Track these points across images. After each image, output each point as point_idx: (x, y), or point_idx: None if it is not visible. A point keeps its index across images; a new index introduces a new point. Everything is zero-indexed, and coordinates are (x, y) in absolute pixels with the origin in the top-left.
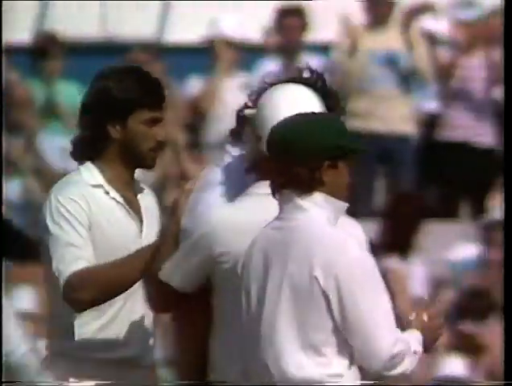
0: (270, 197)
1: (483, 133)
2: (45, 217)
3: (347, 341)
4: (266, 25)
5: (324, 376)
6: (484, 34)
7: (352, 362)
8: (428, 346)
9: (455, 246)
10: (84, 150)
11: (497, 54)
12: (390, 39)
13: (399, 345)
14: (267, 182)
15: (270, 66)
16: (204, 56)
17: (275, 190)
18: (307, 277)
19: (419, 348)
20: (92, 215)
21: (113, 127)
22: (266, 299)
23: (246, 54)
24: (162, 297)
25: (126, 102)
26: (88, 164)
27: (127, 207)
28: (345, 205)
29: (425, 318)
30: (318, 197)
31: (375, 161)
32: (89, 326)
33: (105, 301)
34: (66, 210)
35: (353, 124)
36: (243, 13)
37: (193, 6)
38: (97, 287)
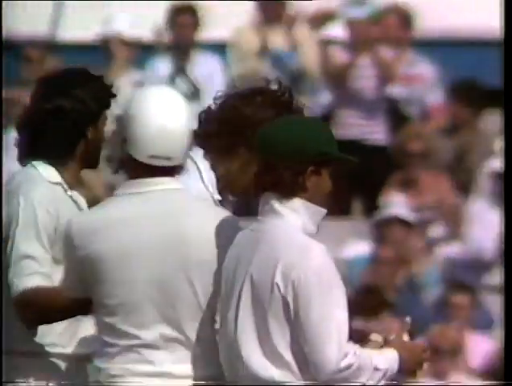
0: (136, 196)
1: (375, 131)
2: (12, 218)
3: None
4: (159, 23)
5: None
6: (375, 33)
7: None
8: (411, 368)
9: (347, 243)
10: (44, 149)
11: (389, 52)
12: (279, 39)
13: (351, 359)
14: (134, 181)
15: (163, 64)
16: (98, 54)
17: (258, 192)
18: (269, 283)
19: (389, 366)
20: (59, 214)
21: (89, 129)
22: (231, 300)
23: (140, 52)
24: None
25: (99, 104)
26: (43, 162)
27: (81, 205)
28: (324, 211)
29: (406, 338)
30: (296, 202)
31: None
32: (53, 328)
33: (55, 321)
34: (35, 216)
35: None
36: (137, 11)
37: (88, 4)
38: (47, 309)
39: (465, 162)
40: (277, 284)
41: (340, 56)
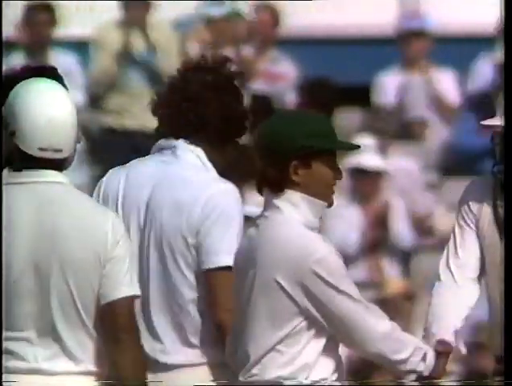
0: (21, 186)
1: None
2: None
3: (306, 341)
4: (13, 20)
5: (285, 376)
6: (234, 31)
7: (315, 360)
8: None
9: None
10: None
11: (248, 50)
12: (143, 39)
13: (387, 323)
14: (18, 173)
15: (18, 61)
16: None
17: (259, 187)
18: (270, 280)
19: (427, 351)
20: None
21: None
22: (241, 296)
23: None
24: None
25: None
26: None
27: None
28: (324, 204)
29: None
30: (294, 196)
31: (129, 157)
32: None
33: None
34: None
35: (108, 120)
36: None
37: None
38: None
39: None
40: (278, 282)
41: (197, 54)
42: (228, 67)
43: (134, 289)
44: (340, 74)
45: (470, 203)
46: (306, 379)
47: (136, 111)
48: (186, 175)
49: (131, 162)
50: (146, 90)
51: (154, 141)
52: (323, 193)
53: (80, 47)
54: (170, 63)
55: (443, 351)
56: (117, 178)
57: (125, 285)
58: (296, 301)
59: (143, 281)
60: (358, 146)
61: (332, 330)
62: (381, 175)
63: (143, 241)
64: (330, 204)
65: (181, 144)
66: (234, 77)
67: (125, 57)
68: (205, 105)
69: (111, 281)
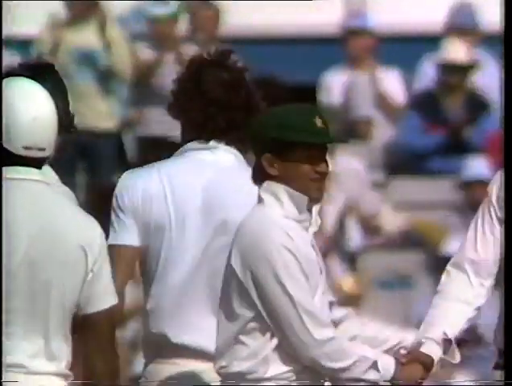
0: (21, 182)
1: (179, 128)
2: None
3: (270, 334)
4: None
5: (244, 369)
6: (177, 31)
7: (274, 353)
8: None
9: None
10: None
11: (191, 49)
12: (89, 37)
13: (329, 331)
14: (6, 169)
15: None
16: None
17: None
18: (228, 266)
19: (376, 359)
20: None
21: None
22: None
23: None
24: None
25: None
26: None
27: None
28: (305, 198)
29: (403, 351)
30: (273, 186)
31: (75, 157)
32: None
33: None
34: None
35: None
36: None
37: None
38: None
39: None
40: (233, 268)
41: (145, 53)
42: (234, 61)
43: (115, 299)
44: (286, 73)
45: (503, 197)
46: (265, 373)
47: (84, 110)
48: (242, 177)
49: (159, 163)
50: (94, 89)
51: (102, 140)
52: (303, 186)
53: (27, 45)
54: (119, 62)
55: (412, 360)
56: (155, 180)
57: (111, 295)
58: (246, 288)
59: (198, 279)
60: (346, 141)
61: (274, 328)
62: (327, 175)
63: (207, 243)
64: (315, 198)
65: (221, 146)
66: (245, 70)
67: (73, 56)
68: (230, 106)
69: (99, 290)
